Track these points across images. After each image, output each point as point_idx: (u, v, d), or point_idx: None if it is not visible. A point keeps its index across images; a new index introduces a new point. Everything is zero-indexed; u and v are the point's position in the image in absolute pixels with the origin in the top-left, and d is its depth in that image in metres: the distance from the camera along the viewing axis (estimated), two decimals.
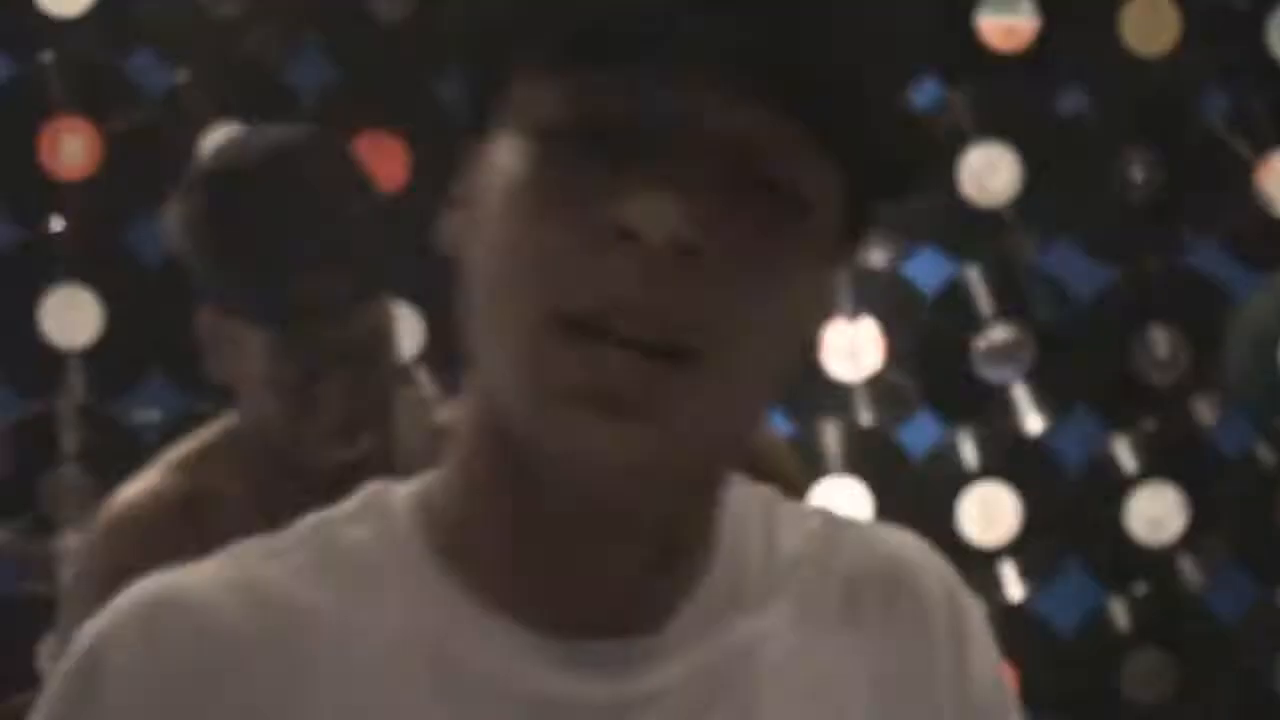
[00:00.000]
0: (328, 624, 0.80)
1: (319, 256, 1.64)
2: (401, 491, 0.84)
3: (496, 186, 0.77)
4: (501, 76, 0.78)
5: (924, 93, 3.00)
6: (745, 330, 0.76)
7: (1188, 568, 3.03)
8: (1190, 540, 3.01)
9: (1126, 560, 3.04)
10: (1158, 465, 3.04)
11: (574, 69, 0.75)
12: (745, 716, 0.82)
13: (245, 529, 0.97)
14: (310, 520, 0.84)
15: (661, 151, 0.75)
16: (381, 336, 1.70)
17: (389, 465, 1.61)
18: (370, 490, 0.84)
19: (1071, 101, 3.05)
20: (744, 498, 0.88)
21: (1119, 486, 3.03)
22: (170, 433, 2.86)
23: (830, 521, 0.90)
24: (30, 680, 2.88)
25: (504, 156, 0.77)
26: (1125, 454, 3.07)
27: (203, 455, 1.74)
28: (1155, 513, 3.00)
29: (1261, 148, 3.02)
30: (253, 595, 0.80)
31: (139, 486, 1.73)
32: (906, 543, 0.92)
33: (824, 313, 0.83)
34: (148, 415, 3.04)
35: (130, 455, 2.90)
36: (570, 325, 0.74)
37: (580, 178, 0.75)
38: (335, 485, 0.90)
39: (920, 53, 0.88)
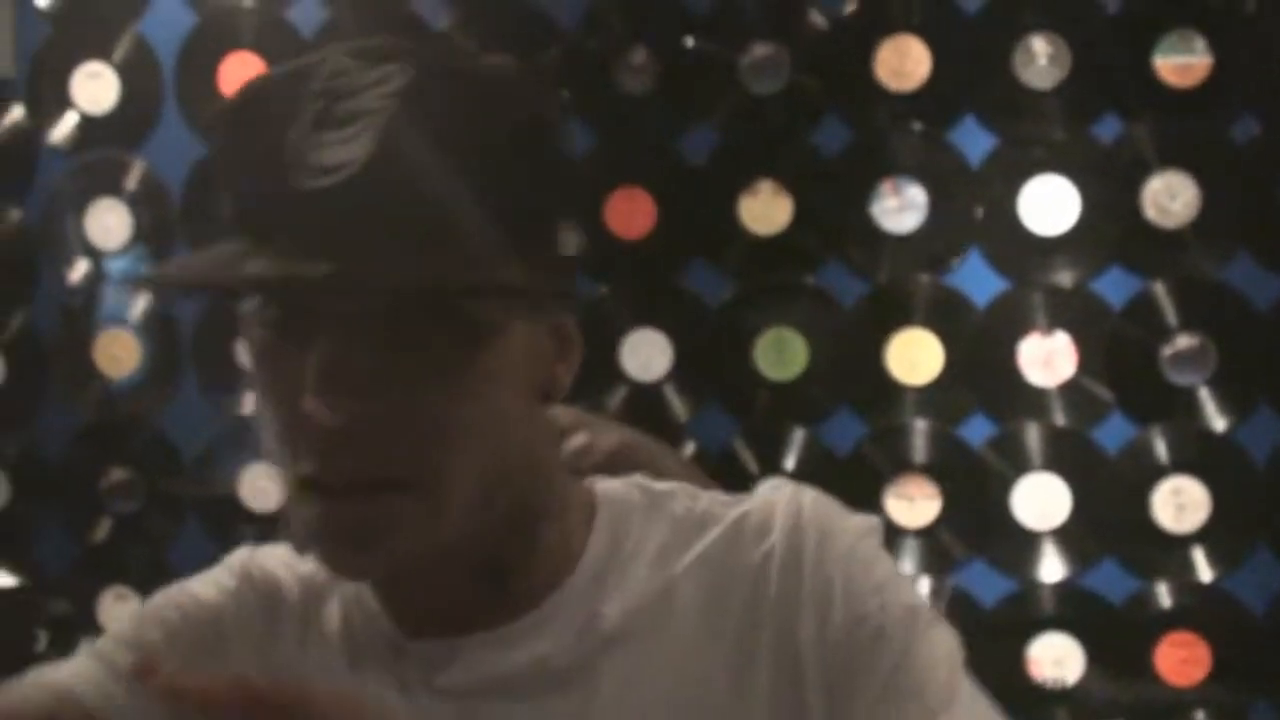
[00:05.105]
0: (320, 605, 1.08)
1: None
2: None
3: (252, 359, 0.92)
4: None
5: (1107, 127, 3.09)
6: (441, 439, 0.85)
7: None
8: None
9: None
10: None
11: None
12: (588, 698, 0.94)
13: None
14: None
15: (325, 329, 0.85)
16: None
17: None
18: None
19: (1244, 129, 3.05)
20: (622, 495, 1.03)
21: None
22: None
23: (700, 503, 1.05)
24: None
25: (250, 336, 0.92)
26: None
27: None
28: None
29: None
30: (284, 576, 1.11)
31: None
32: (751, 511, 1.04)
33: (546, 363, 0.93)
34: None
35: None
36: (304, 485, 0.87)
37: (282, 360, 0.87)
38: None
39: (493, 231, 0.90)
